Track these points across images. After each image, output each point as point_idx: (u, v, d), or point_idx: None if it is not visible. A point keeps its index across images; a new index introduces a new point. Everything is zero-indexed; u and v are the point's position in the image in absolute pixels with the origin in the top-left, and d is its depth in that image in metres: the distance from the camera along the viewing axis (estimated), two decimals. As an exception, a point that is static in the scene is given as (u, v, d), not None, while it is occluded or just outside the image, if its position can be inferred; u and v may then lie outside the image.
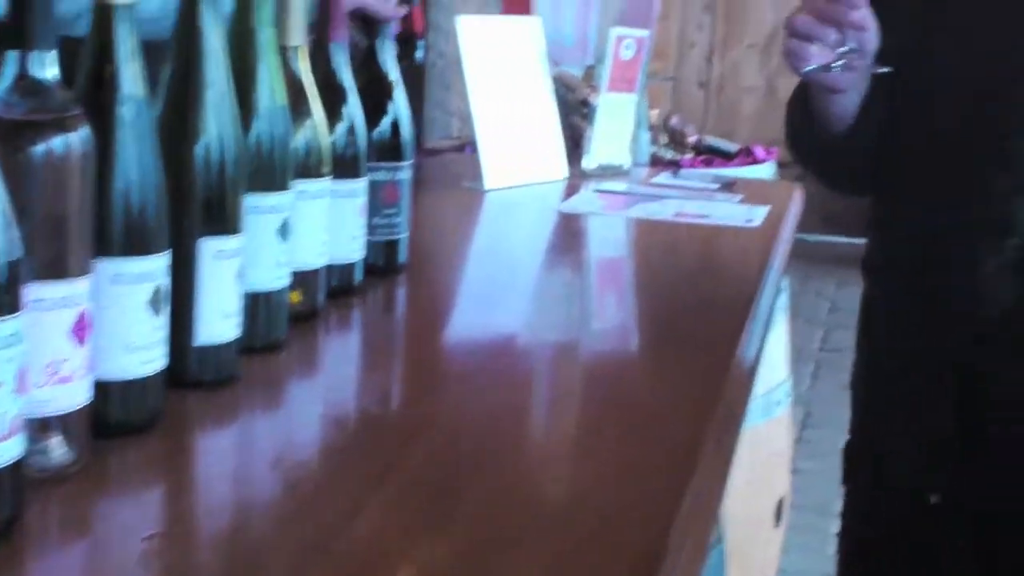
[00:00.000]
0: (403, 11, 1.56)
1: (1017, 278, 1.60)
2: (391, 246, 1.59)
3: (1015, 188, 1.59)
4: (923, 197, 1.69)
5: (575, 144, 2.42)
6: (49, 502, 0.88)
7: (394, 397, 1.30)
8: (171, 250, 1.02)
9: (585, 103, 2.44)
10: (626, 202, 2.17)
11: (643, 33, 2.42)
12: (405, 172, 1.60)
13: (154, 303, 1.00)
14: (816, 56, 1.57)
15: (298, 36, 1.31)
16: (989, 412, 1.68)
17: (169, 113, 1.09)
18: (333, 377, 1.31)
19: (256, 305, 1.21)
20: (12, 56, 0.87)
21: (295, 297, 1.31)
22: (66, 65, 0.91)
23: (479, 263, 1.90)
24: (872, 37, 1.58)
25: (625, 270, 1.93)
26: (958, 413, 1.69)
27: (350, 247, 1.45)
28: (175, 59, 1.10)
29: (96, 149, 0.91)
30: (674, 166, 2.66)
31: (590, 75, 2.47)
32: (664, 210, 2.10)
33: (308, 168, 1.32)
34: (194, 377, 1.12)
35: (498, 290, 1.69)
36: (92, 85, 0.98)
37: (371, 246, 1.53)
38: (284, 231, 1.23)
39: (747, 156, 2.87)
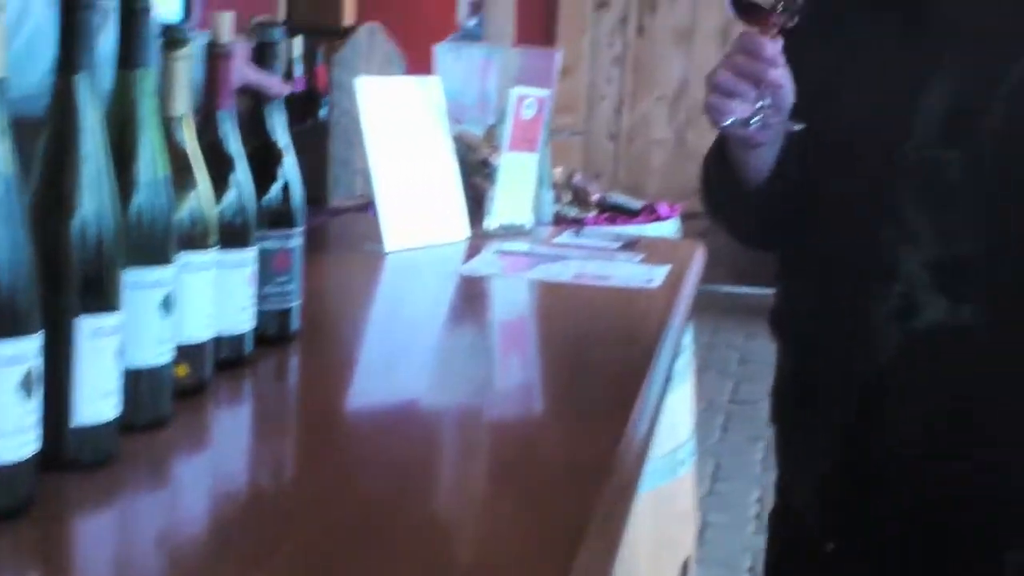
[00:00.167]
0: (289, 89, 1.55)
1: (902, 324, 1.65)
2: (283, 314, 1.57)
3: (900, 238, 1.64)
4: (821, 249, 1.74)
5: (477, 204, 2.41)
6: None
7: (285, 470, 1.28)
8: (45, 329, 1.00)
9: (486, 163, 2.43)
10: (527, 263, 2.16)
11: (544, 92, 2.42)
12: (296, 239, 1.58)
13: (26, 385, 0.98)
14: (736, 111, 1.62)
15: (182, 106, 1.29)
16: (878, 458, 1.72)
17: (44, 190, 1.06)
18: (221, 452, 1.28)
19: (138, 381, 1.18)
20: None
21: (182, 370, 1.29)
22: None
23: (376, 329, 1.88)
24: (787, 94, 1.62)
25: (523, 334, 1.92)
26: (848, 458, 1.74)
27: (239, 318, 1.43)
28: (50, 135, 1.08)
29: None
30: (577, 224, 2.65)
31: (491, 135, 2.47)
32: (565, 271, 2.09)
33: (194, 239, 1.30)
34: (71, 458, 1.09)
35: (394, 356, 1.68)
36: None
37: (263, 315, 1.50)
38: (167, 305, 1.21)
39: (651, 213, 2.87)
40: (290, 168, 1.57)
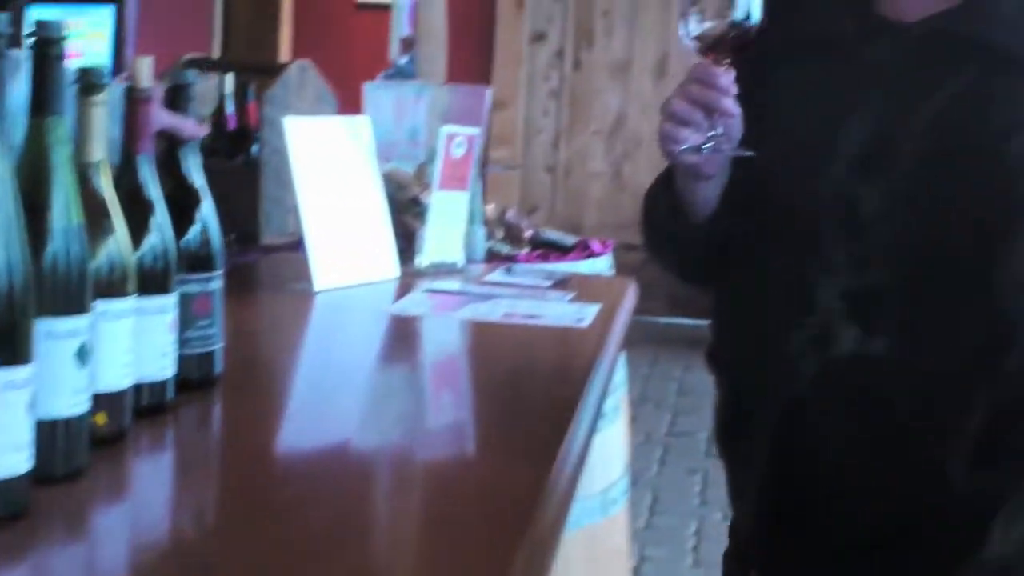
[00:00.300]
0: (205, 131, 1.54)
1: (819, 354, 1.68)
2: (206, 358, 1.55)
3: (818, 269, 1.68)
4: (749, 281, 1.78)
5: (408, 242, 2.41)
6: None
7: (208, 518, 1.25)
8: (-47, 383, 0.98)
9: (417, 201, 2.42)
10: (457, 303, 2.16)
11: (474, 131, 2.42)
12: (216, 281, 1.56)
13: (-68, 441, 0.96)
14: (689, 139, 1.66)
15: (99, 152, 1.27)
16: (796, 490, 1.76)
17: (-48, 240, 1.05)
18: (141, 501, 1.26)
19: (53, 432, 1.16)
20: None
21: (100, 419, 1.27)
22: None
23: (304, 370, 1.86)
24: (738, 123, 1.67)
25: (452, 375, 1.90)
26: (776, 493, 1.78)
27: (160, 364, 1.41)
28: (-43, 185, 1.06)
29: None
30: (510, 261, 2.65)
31: (422, 172, 2.46)
32: (495, 311, 2.09)
33: (112, 287, 1.28)
34: (-19, 513, 1.07)
35: (322, 398, 1.66)
36: None
37: (186, 359, 1.49)
38: (83, 355, 1.19)
39: (584, 249, 2.87)
40: (208, 210, 1.55)
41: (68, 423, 1.18)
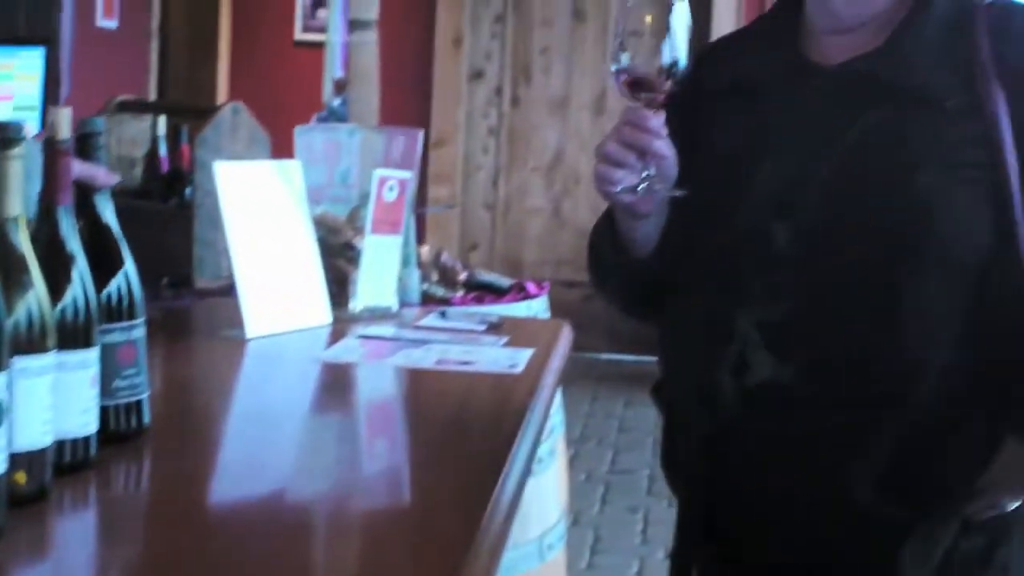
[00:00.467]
0: (116, 179, 1.51)
1: (738, 381, 1.76)
2: (133, 408, 1.53)
3: (737, 300, 1.76)
4: (681, 313, 1.86)
5: (340, 287, 2.39)
6: None
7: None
8: None
9: (349, 246, 2.41)
10: (389, 349, 2.14)
11: (406, 174, 2.41)
12: (140, 329, 1.54)
13: None
14: (623, 180, 1.73)
15: (16, 206, 1.25)
16: (721, 515, 1.84)
17: None
18: (62, 563, 1.24)
19: (-30, 494, 1.14)
20: None
21: (20, 478, 1.25)
22: None
23: (235, 421, 1.84)
24: (671, 164, 1.76)
25: (382, 425, 1.89)
26: (695, 515, 1.87)
27: (81, 420, 1.38)
28: None
29: None
30: (445, 304, 2.64)
31: (354, 216, 2.44)
32: (427, 357, 2.07)
33: (31, 343, 1.26)
34: None
35: (252, 450, 1.64)
36: None
37: (112, 410, 1.48)
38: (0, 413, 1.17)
39: (519, 291, 2.86)
40: (127, 258, 1.53)
41: (-15, 484, 1.16)
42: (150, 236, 3.07)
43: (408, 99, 7.23)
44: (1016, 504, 1.74)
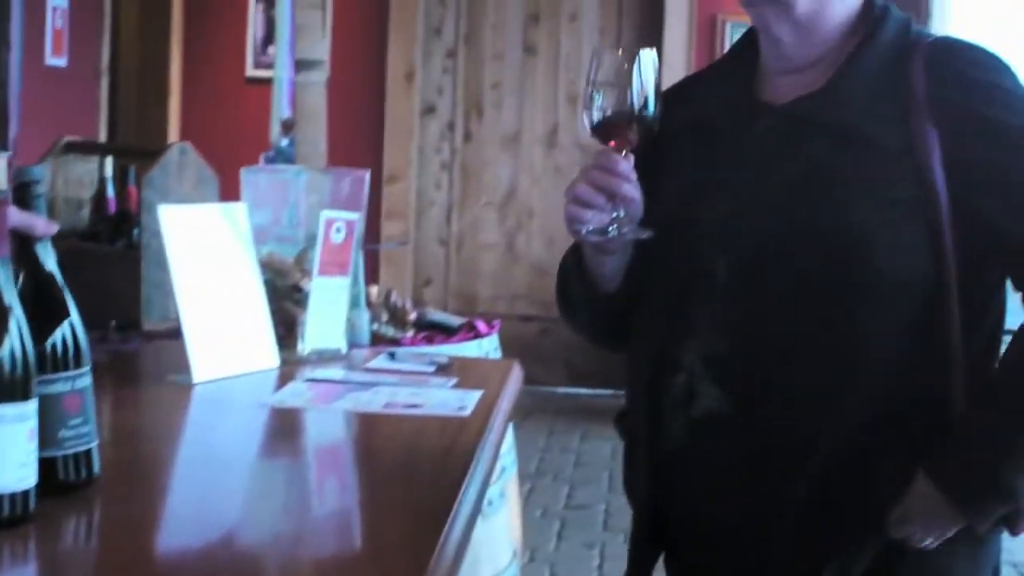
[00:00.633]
0: (55, 228, 1.50)
1: (685, 411, 1.83)
2: (82, 458, 1.52)
3: (685, 332, 1.83)
4: (638, 345, 1.93)
5: (288, 330, 2.37)
6: None
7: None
8: None
9: (297, 288, 2.39)
10: (337, 392, 2.12)
11: (353, 216, 2.40)
12: (85, 378, 1.52)
13: None
14: (592, 220, 1.79)
15: (-50, 260, 1.23)
16: (670, 541, 1.93)
17: None
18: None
19: (-99, 554, 1.12)
20: None
21: (-45, 535, 1.23)
22: None
23: (182, 469, 1.81)
24: (638, 206, 1.81)
25: (328, 472, 1.87)
26: (642, 548, 1.94)
27: (19, 474, 1.37)
28: None
29: None
30: (395, 344, 2.62)
31: (302, 259, 2.43)
32: (375, 400, 2.06)
33: (-34, 398, 1.24)
34: None
35: (197, 498, 1.62)
36: None
37: (61, 460, 1.48)
38: (-68, 471, 1.15)
39: (470, 330, 2.85)
40: (70, 306, 1.52)
41: (-83, 543, 1.14)
42: (98, 278, 3.05)
43: (360, 135, 7.23)
44: (929, 541, 1.78)
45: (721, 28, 6.97)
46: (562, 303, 2.04)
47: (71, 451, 1.50)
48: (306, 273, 2.39)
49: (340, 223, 2.36)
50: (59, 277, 1.51)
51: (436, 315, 2.94)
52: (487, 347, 2.84)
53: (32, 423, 1.38)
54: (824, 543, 1.77)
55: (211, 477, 1.72)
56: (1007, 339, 1.81)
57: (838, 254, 1.74)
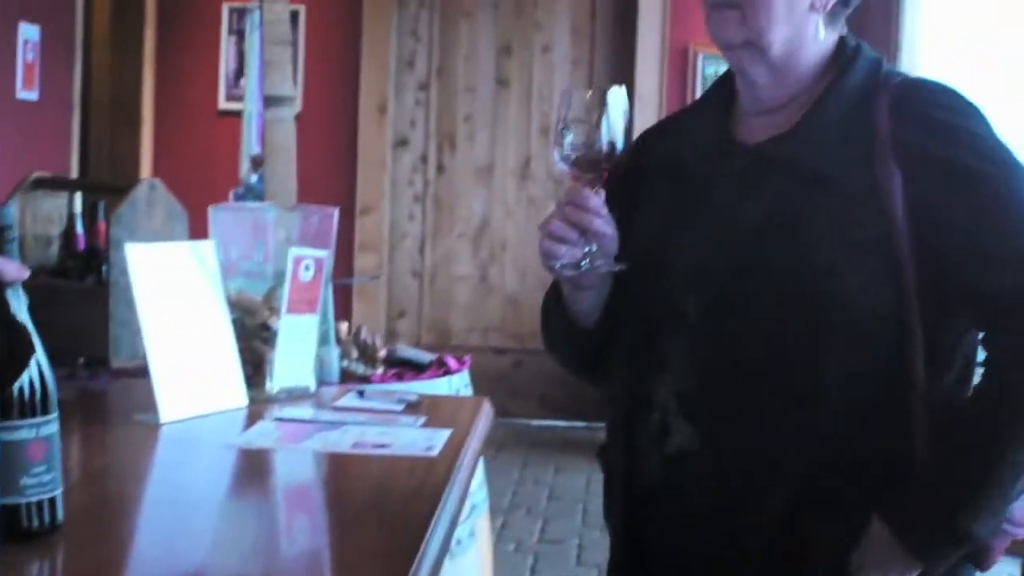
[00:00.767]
0: (27, 273, 1.49)
1: (659, 447, 1.86)
2: (45, 505, 1.50)
3: (658, 369, 1.85)
4: (614, 380, 1.95)
5: (257, 369, 2.36)
6: None
7: None
8: None
9: (266, 326, 2.38)
10: (305, 432, 2.11)
11: (322, 253, 2.39)
12: (51, 425, 1.51)
13: None
14: (566, 255, 1.82)
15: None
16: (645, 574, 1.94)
17: None
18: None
19: None
20: None
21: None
22: None
23: (149, 511, 1.80)
24: (612, 241, 1.84)
25: (295, 513, 1.86)
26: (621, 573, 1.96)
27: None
28: None
29: None
30: (364, 381, 2.61)
31: (271, 296, 2.42)
32: (344, 440, 2.05)
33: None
34: None
35: (164, 541, 1.61)
36: None
37: (24, 508, 1.47)
38: None
39: (440, 367, 2.84)
40: (39, 352, 1.50)
41: None
42: (67, 315, 3.03)
43: (333, 167, 7.22)
44: None
45: (693, 59, 6.99)
46: (545, 338, 2.08)
47: (34, 499, 1.49)
48: (275, 311, 2.38)
49: (309, 260, 2.36)
50: (29, 323, 1.50)
51: (406, 351, 2.93)
52: (457, 384, 2.83)
53: (-9, 471, 1.37)
54: None
55: (179, 518, 1.71)
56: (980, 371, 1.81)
57: (803, 295, 1.75)
